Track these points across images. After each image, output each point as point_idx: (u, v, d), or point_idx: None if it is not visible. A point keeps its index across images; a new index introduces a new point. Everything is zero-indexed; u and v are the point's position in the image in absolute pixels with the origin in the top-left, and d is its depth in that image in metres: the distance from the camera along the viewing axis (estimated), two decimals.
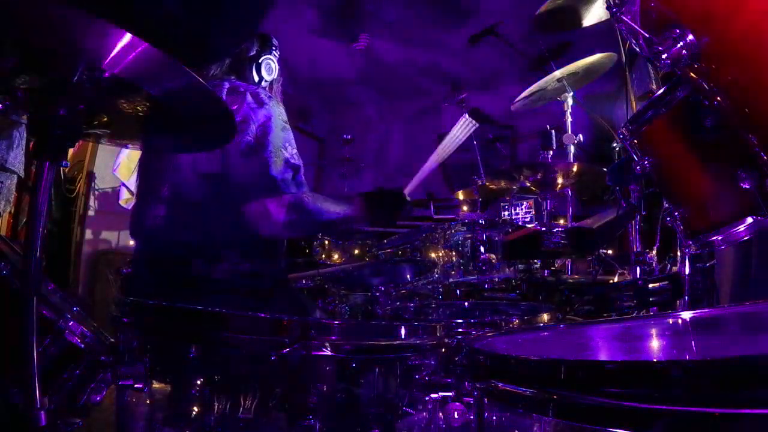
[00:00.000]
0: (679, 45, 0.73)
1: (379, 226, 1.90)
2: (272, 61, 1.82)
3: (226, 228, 1.59)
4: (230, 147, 1.49)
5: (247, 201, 1.53)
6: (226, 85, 1.62)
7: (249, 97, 1.58)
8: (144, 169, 1.75)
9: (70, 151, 0.91)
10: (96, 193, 4.18)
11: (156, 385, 0.92)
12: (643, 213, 1.84)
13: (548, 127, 2.85)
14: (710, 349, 0.84)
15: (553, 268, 2.52)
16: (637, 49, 0.81)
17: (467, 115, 1.79)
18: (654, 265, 1.83)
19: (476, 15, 4.01)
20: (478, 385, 0.74)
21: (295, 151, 1.61)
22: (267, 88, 1.82)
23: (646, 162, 1.13)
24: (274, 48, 1.84)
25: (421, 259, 2.42)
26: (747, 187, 0.95)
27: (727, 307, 1.17)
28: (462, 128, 1.78)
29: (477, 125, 1.79)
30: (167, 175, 1.62)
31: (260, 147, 1.52)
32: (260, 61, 1.79)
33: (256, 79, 1.79)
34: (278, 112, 1.61)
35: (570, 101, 2.85)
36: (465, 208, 3.26)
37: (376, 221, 1.84)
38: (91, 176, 4.14)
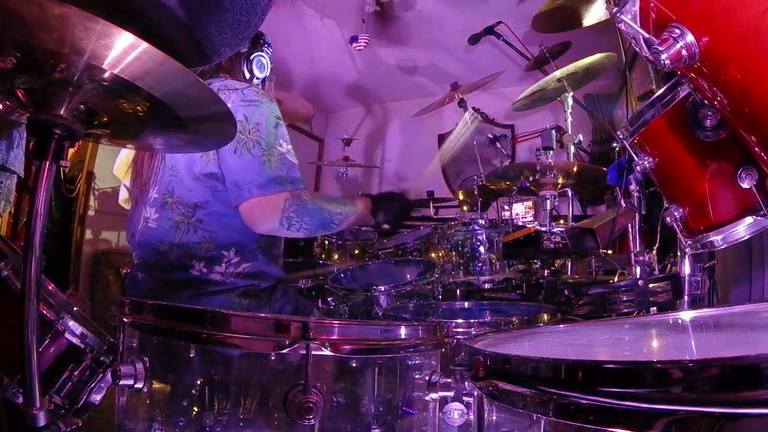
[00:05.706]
0: (679, 45, 0.73)
1: (383, 229, 1.91)
2: (264, 58, 1.78)
3: (224, 228, 1.58)
4: (223, 146, 1.47)
5: (243, 199, 1.51)
6: (217, 84, 1.59)
7: (240, 95, 1.55)
8: (137, 172, 1.72)
9: (70, 151, 0.91)
10: (96, 193, 4.17)
11: (156, 385, 0.92)
12: (643, 213, 1.84)
13: (548, 127, 2.85)
14: (710, 349, 0.84)
15: (553, 268, 2.52)
16: (637, 49, 0.81)
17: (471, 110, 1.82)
18: (654, 265, 1.83)
19: (477, 14, 4.00)
20: (478, 385, 0.74)
21: (290, 147, 1.57)
22: (260, 86, 1.79)
23: (646, 162, 1.13)
24: (266, 45, 1.80)
25: (421, 259, 2.42)
26: (747, 187, 0.95)
27: (727, 307, 1.17)
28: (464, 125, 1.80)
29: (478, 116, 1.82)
30: (162, 178, 1.60)
31: (253, 145, 1.50)
32: (251, 58, 1.75)
33: (248, 76, 1.75)
34: (270, 109, 1.57)
35: (570, 101, 2.86)
36: (465, 208, 3.26)
37: (380, 224, 1.83)
38: (91, 176, 4.13)
